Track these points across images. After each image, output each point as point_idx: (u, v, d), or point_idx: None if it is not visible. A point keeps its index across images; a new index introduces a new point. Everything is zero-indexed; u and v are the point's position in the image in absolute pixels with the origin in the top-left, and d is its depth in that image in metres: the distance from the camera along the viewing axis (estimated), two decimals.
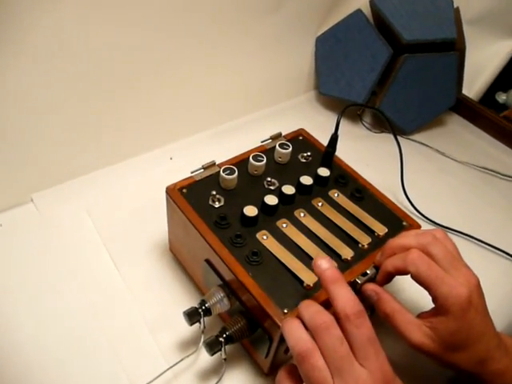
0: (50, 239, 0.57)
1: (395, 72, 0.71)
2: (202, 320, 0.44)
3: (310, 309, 0.36)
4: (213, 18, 0.65)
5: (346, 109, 0.52)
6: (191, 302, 0.49)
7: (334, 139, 0.52)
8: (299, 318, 0.36)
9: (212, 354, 0.42)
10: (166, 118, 0.70)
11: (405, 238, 0.42)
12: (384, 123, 0.81)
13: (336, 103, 0.85)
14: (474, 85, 0.86)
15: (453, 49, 0.72)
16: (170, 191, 0.48)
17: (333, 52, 0.78)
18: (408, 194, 0.65)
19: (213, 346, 0.41)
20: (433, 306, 0.40)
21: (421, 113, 0.78)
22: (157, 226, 0.58)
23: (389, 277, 0.42)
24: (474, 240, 0.64)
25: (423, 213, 0.65)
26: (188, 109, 0.71)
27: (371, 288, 0.42)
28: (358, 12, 0.74)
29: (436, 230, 0.42)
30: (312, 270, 0.42)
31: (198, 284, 0.52)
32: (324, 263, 0.37)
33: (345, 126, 0.82)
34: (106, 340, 0.48)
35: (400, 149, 0.62)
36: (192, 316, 0.43)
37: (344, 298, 0.34)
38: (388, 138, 0.81)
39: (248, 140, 0.55)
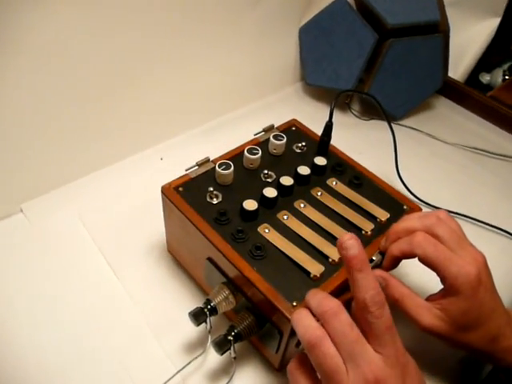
0: (44, 249, 0.55)
1: (382, 57, 0.71)
2: (208, 320, 0.43)
3: (317, 296, 0.35)
4: (194, 16, 0.64)
5: (340, 95, 0.52)
6: (194, 303, 0.47)
7: (328, 127, 0.51)
8: (307, 307, 0.36)
9: (222, 354, 0.41)
10: (154, 119, 0.68)
11: (409, 221, 0.42)
12: (373, 110, 0.81)
13: (324, 93, 0.84)
14: (458, 67, 0.86)
15: (437, 31, 0.72)
16: (165, 190, 0.46)
17: (317, 41, 0.77)
18: (403, 178, 0.65)
19: (222, 345, 0.40)
20: (440, 288, 0.40)
21: (409, 97, 0.78)
22: (153, 227, 0.57)
23: (395, 261, 0.42)
24: (471, 220, 0.64)
25: (419, 197, 0.65)
26: (175, 108, 0.70)
27: (378, 274, 0.41)
28: None
29: (439, 211, 0.42)
30: (317, 260, 0.41)
31: (200, 284, 0.51)
32: (352, 247, 0.33)
33: (334, 115, 0.81)
34: (109, 347, 0.46)
35: (393, 134, 0.62)
36: (198, 316, 0.42)
37: (367, 287, 0.33)
38: (378, 124, 0.81)
39: (238, 135, 0.54)
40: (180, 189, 0.47)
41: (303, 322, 0.34)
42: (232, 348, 0.41)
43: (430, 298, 0.40)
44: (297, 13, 0.78)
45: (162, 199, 0.47)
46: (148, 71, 0.63)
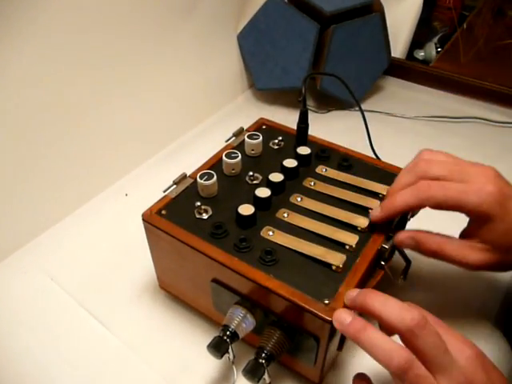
0: (19, 325, 0.47)
1: (327, 45, 0.70)
2: (230, 348, 0.37)
3: (390, 306, 0.30)
4: (132, 42, 0.60)
5: (307, 78, 0.49)
6: (205, 337, 0.41)
7: (304, 113, 0.48)
8: (373, 313, 0.31)
9: (258, 381, 0.35)
10: (109, 155, 0.63)
11: (401, 179, 0.40)
12: (329, 102, 0.80)
13: (276, 95, 0.82)
14: (396, 45, 0.87)
15: (372, 11, 0.72)
16: (147, 218, 0.41)
17: (259, 44, 0.76)
18: (380, 158, 0.63)
19: (255, 372, 0.35)
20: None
21: (360, 81, 0.77)
22: (136, 267, 0.51)
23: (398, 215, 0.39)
24: None
25: None
26: (129, 139, 0.65)
27: (405, 236, 0.38)
28: None
29: (421, 154, 0.40)
30: (335, 250, 0.38)
31: (207, 313, 0.45)
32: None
33: (290, 115, 0.79)
34: None
35: (362, 113, 0.60)
36: (219, 346, 0.36)
37: (386, 349, 0.29)
38: (337, 114, 0.80)
39: (199, 153, 0.50)
40: (163, 212, 0.41)
41: (382, 346, 0.29)
42: (266, 372, 0.36)
43: (465, 234, 0.38)
44: (232, 20, 0.76)
45: (146, 228, 0.42)
46: (93, 106, 0.58)
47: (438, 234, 0.38)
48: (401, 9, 0.86)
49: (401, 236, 0.38)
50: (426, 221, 0.42)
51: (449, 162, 0.38)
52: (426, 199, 0.36)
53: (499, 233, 0.35)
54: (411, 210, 0.41)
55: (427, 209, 0.38)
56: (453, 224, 0.39)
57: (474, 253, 0.36)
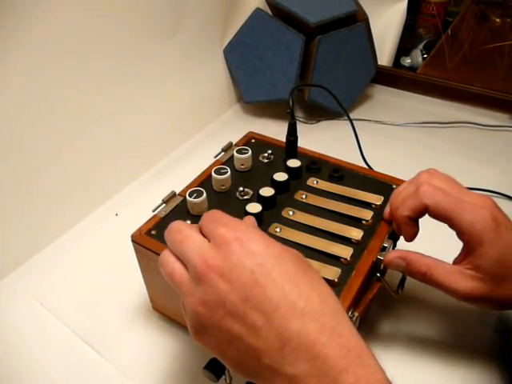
0: (8, 350, 0.46)
1: (314, 56, 0.70)
2: (227, 370, 0.36)
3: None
4: (119, 61, 0.60)
5: (294, 90, 0.49)
6: (202, 358, 0.40)
7: (292, 125, 0.48)
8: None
9: None
10: (98, 175, 0.62)
11: (404, 189, 0.39)
12: (318, 112, 0.80)
13: (264, 108, 0.82)
14: (383, 53, 0.88)
15: (357, 20, 0.73)
16: (136, 239, 0.40)
17: (245, 58, 0.75)
18: (371, 166, 0.63)
19: None
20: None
21: (348, 91, 0.77)
22: (129, 289, 0.50)
23: (409, 225, 0.38)
24: None
25: None
26: (118, 159, 0.64)
27: (394, 256, 0.37)
28: (258, 11, 0.72)
29: (427, 169, 0.39)
30: (329, 264, 0.37)
31: None
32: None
33: (279, 127, 0.79)
34: None
35: (353, 125, 0.60)
36: (215, 368, 0.35)
37: None
38: (326, 124, 0.80)
39: (189, 169, 0.49)
40: (153, 232, 0.41)
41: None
42: None
43: (457, 262, 0.37)
44: (217, 35, 0.76)
45: (135, 249, 0.41)
46: (80, 126, 0.57)
47: (428, 257, 0.37)
48: (385, 17, 0.87)
49: (390, 256, 0.38)
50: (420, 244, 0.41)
51: (451, 180, 0.38)
52: (427, 199, 0.36)
53: (491, 260, 0.34)
54: (417, 215, 0.39)
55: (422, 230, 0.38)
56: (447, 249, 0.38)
57: (463, 279, 0.35)
